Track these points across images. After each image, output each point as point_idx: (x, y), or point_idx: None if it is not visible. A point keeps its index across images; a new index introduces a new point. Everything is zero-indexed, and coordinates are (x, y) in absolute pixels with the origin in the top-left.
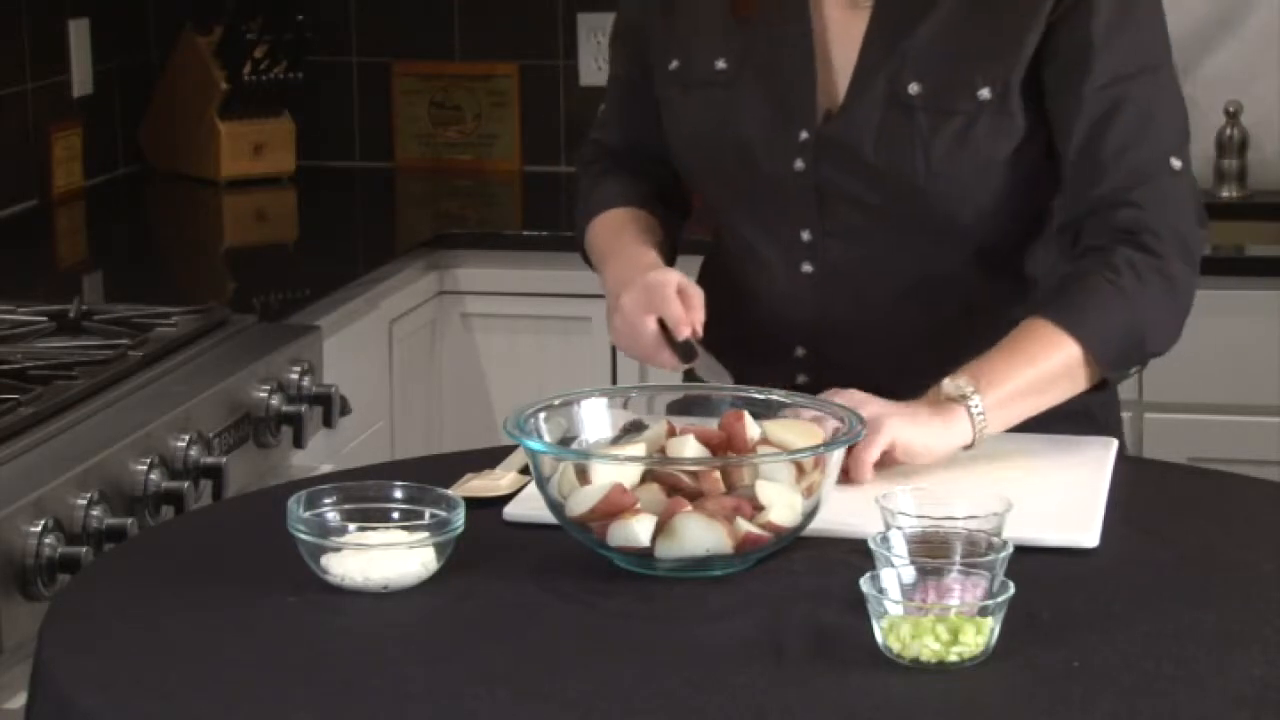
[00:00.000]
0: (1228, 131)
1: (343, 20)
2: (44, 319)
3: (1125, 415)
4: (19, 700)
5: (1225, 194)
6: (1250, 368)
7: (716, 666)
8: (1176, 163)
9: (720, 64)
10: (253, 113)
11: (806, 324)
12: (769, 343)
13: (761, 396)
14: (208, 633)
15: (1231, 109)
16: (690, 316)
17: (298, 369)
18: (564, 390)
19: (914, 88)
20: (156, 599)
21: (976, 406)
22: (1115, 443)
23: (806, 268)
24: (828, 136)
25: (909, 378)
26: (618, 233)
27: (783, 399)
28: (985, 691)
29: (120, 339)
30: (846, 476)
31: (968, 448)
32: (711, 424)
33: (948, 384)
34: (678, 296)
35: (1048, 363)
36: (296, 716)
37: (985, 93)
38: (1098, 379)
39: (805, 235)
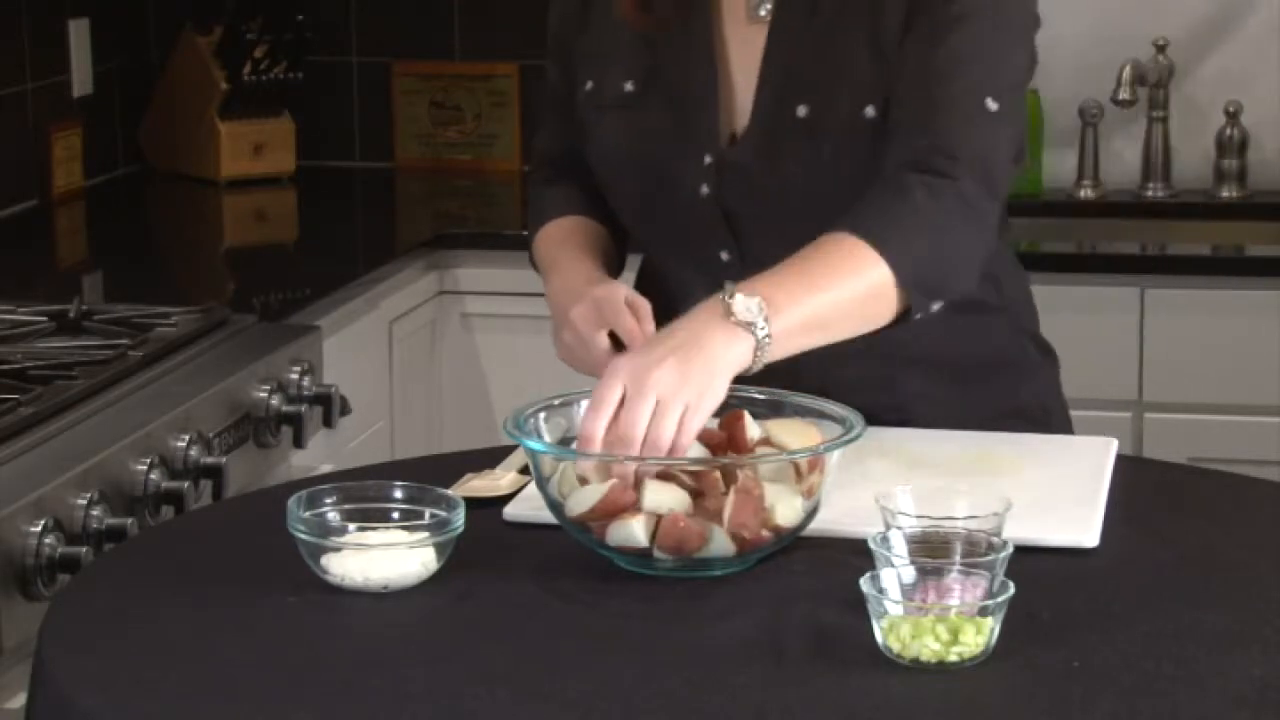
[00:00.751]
0: (1228, 131)
1: (343, 20)
2: (44, 319)
3: (1125, 415)
4: (19, 700)
5: (1225, 194)
6: (1250, 368)
7: (716, 666)
8: (992, 104)
9: (628, 86)
10: (253, 113)
11: None
12: None
13: (763, 397)
14: (208, 633)
15: (1231, 109)
16: (643, 328)
17: (298, 369)
18: (564, 390)
19: (801, 109)
20: (156, 599)
21: (763, 333)
22: (1115, 442)
23: (729, 287)
24: (728, 161)
25: (837, 391)
26: (561, 244)
27: (783, 399)
28: (985, 691)
29: (120, 339)
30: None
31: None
32: (711, 424)
33: (740, 305)
34: (627, 309)
35: (851, 286)
36: (296, 716)
37: (870, 110)
38: (900, 307)
39: (724, 255)
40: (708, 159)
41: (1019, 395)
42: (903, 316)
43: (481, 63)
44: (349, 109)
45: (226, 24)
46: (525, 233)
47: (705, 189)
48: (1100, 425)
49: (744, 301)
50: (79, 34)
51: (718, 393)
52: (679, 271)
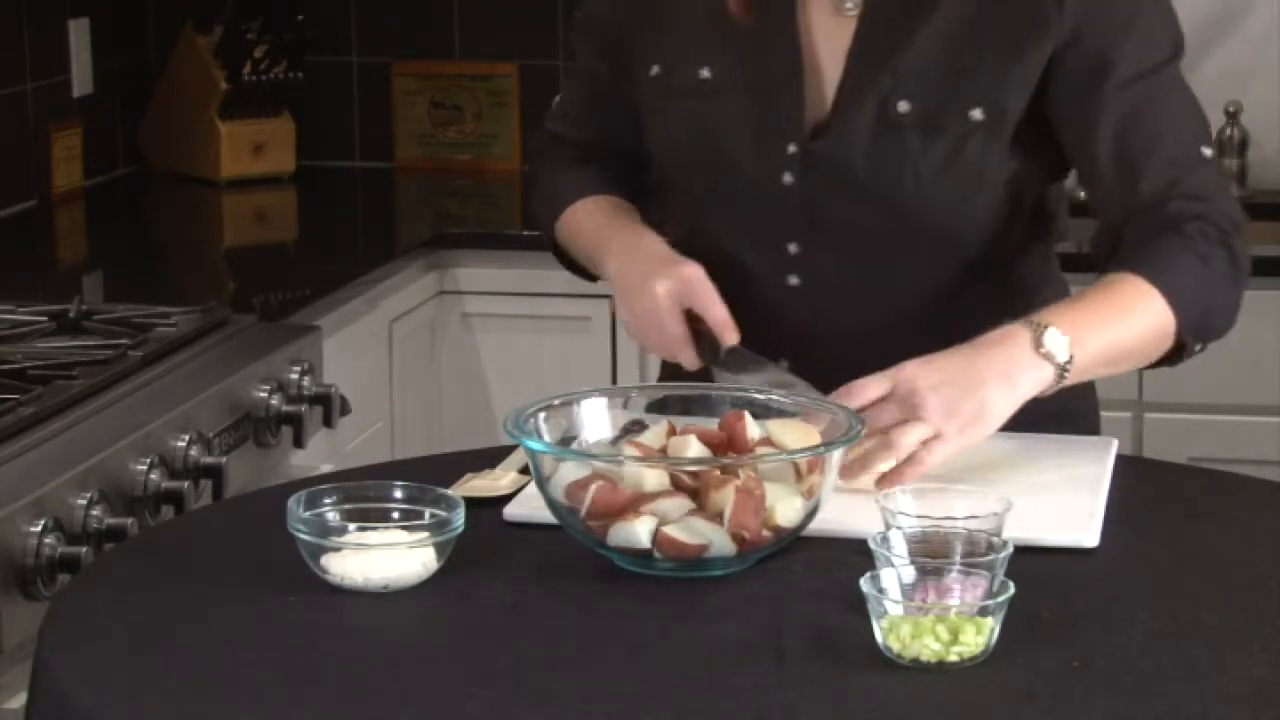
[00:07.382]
0: (1228, 131)
1: (343, 20)
2: (44, 319)
3: (1125, 415)
4: (19, 700)
5: None
6: (1250, 368)
7: (716, 666)
8: (1207, 151)
9: (704, 73)
10: (253, 113)
11: (791, 336)
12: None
13: (762, 397)
14: (208, 633)
15: (1231, 109)
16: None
17: (298, 369)
18: (564, 390)
19: (903, 106)
20: (156, 599)
21: (1067, 369)
22: (1115, 442)
23: (793, 280)
24: (816, 152)
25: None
26: (614, 216)
27: (784, 399)
28: (985, 691)
29: (120, 339)
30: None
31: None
32: (711, 424)
33: (1050, 339)
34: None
35: (1140, 324)
36: (296, 716)
37: (978, 113)
38: (1172, 348)
39: (792, 248)
40: (792, 148)
41: (1064, 399)
42: (1173, 356)
43: (481, 63)
44: (349, 109)
45: (226, 24)
46: (526, 232)
47: (788, 178)
48: (1100, 425)
49: (1055, 338)
50: (79, 34)
51: (995, 423)
52: (740, 263)
